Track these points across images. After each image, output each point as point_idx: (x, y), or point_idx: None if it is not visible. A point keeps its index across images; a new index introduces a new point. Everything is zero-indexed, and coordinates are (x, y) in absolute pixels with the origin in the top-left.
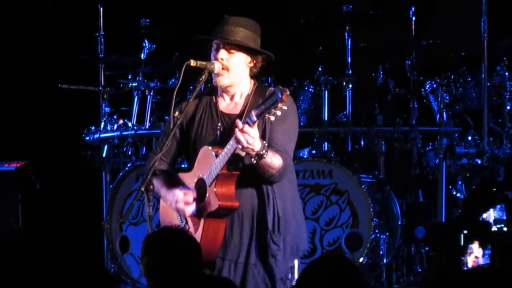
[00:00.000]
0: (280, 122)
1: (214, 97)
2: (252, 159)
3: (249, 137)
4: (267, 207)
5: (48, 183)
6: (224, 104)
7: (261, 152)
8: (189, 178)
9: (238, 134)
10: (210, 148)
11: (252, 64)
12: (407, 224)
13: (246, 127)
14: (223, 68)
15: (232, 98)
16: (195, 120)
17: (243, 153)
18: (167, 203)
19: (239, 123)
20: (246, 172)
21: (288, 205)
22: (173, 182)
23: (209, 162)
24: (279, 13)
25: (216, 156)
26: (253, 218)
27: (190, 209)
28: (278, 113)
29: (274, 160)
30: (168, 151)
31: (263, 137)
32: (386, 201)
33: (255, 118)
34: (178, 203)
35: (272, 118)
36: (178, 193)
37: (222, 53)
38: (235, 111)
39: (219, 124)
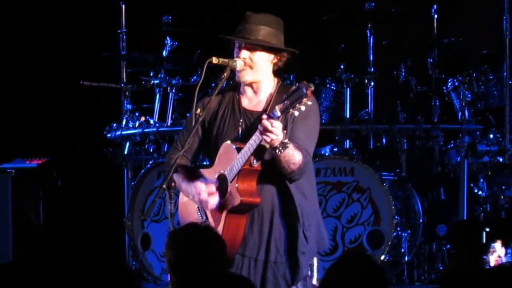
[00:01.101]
0: (302, 121)
1: (237, 94)
2: (277, 151)
3: (275, 128)
4: (287, 205)
5: (69, 180)
6: (247, 101)
7: (285, 141)
8: (210, 174)
9: (265, 123)
10: (231, 143)
11: (275, 60)
12: (429, 222)
13: (271, 120)
14: (246, 65)
15: (255, 94)
16: (217, 117)
17: (267, 146)
18: (188, 196)
19: (265, 118)
20: (267, 169)
21: (307, 204)
22: (194, 176)
23: (231, 158)
24: (301, 10)
25: (238, 151)
26: (273, 215)
27: (213, 200)
28: (303, 108)
29: (295, 153)
30: (189, 147)
31: None
32: (407, 199)
33: (279, 113)
34: (200, 195)
35: (296, 113)
36: (200, 184)
37: (244, 53)
38: (258, 108)
39: (241, 121)
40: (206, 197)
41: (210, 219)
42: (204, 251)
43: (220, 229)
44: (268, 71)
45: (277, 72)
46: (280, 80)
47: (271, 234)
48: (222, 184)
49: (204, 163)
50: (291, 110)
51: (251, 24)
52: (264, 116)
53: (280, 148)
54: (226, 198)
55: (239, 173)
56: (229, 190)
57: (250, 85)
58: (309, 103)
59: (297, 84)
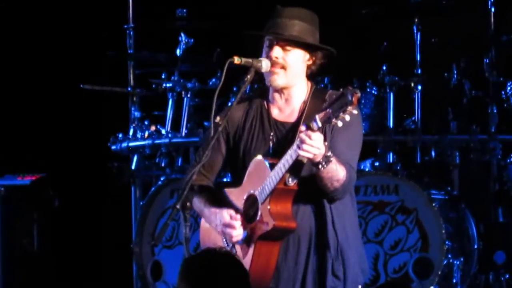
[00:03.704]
0: (344, 131)
1: (265, 102)
2: (320, 166)
3: (314, 141)
4: (326, 230)
5: (68, 199)
6: (277, 111)
7: (328, 154)
8: (237, 195)
9: (303, 136)
10: (263, 159)
11: (310, 62)
12: (485, 248)
13: (310, 133)
14: (279, 67)
15: (286, 103)
16: (244, 130)
17: (305, 160)
18: (211, 225)
19: (303, 130)
20: (305, 187)
21: (348, 228)
22: (218, 201)
23: (263, 176)
24: (337, 3)
25: (271, 168)
26: (311, 241)
27: (238, 233)
28: (347, 118)
29: (339, 168)
30: (209, 164)
31: None
32: (460, 221)
33: (320, 124)
34: (224, 227)
35: (340, 124)
36: (225, 214)
37: (277, 51)
38: (291, 119)
39: (272, 134)
40: (229, 231)
41: (238, 247)
42: (223, 281)
43: (248, 258)
44: (302, 74)
45: (310, 76)
46: (314, 85)
47: (308, 264)
48: (251, 206)
49: (224, 179)
50: (334, 120)
51: (285, 19)
52: (302, 128)
53: (323, 163)
54: (256, 223)
55: (272, 193)
56: (259, 213)
57: (281, 91)
58: (355, 112)
59: (341, 90)
